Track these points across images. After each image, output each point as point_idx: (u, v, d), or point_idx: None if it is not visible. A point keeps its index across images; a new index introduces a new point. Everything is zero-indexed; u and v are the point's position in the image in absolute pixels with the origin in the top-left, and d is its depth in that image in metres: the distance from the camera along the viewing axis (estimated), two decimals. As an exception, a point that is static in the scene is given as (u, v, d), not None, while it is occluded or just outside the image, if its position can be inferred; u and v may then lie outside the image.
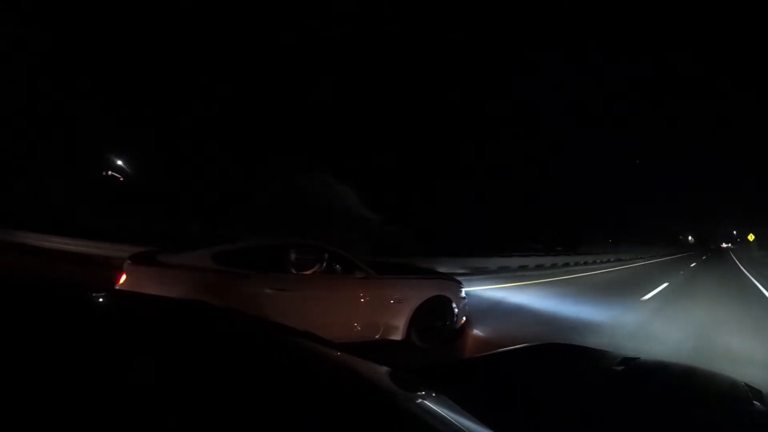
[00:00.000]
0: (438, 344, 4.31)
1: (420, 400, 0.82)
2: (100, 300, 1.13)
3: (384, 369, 0.94)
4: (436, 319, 4.39)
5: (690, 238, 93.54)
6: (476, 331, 5.04)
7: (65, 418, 0.48)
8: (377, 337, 4.00)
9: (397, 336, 4.09)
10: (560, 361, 1.60)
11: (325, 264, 4.03)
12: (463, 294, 4.79)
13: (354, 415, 0.64)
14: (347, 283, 3.98)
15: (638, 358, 1.57)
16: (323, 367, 0.88)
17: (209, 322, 1.04)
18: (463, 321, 4.82)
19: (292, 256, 3.98)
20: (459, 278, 5.29)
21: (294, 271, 3.89)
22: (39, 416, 0.47)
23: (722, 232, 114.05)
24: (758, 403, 1.21)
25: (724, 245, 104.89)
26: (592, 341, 4.62)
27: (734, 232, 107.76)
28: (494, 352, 1.88)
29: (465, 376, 1.31)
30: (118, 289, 3.24)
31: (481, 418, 0.79)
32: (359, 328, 3.87)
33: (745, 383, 1.39)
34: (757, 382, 1.42)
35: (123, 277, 3.51)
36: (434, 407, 0.78)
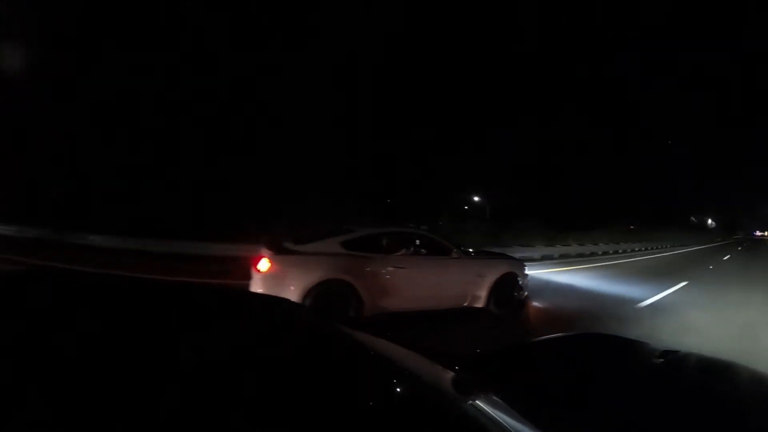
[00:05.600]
0: (509, 311, 5.45)
1: (471, 402, 0.90)
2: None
3: (444, 371, 1.11)
4: (508, 290, 5.54)
5: (710, 221, 73.51)
6: (535, 303, 6.17)
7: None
8: (465, 304, 5.19)
9: (480, 304, 5.26)
10: (597, 352, 1.61)
11: (426, 247, 5.18)
12: (526, 271, 5.92)
13: (416, 416, 0.76)
14: (448, 262, 5.18)
15: (678, 351, 1.52)
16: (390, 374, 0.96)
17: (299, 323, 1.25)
18: (525, 294, 5.95)
19: (400, 241, 5.19)
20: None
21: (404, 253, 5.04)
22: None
23: (759, 215, 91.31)
24: None
25: (758, 233, 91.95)
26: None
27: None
28: (535, 340, 1.96)
29: (508, 368, 1.40)
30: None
31: (524, 413, 0.88)
32: (455, 296, 5.08)
33: None
34: None
35: (264, 264, 4.26)
36: (486, 408, 0.87)
